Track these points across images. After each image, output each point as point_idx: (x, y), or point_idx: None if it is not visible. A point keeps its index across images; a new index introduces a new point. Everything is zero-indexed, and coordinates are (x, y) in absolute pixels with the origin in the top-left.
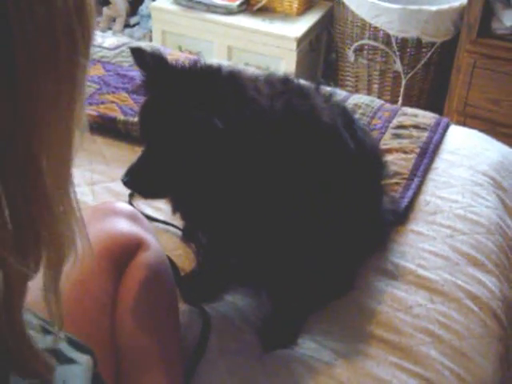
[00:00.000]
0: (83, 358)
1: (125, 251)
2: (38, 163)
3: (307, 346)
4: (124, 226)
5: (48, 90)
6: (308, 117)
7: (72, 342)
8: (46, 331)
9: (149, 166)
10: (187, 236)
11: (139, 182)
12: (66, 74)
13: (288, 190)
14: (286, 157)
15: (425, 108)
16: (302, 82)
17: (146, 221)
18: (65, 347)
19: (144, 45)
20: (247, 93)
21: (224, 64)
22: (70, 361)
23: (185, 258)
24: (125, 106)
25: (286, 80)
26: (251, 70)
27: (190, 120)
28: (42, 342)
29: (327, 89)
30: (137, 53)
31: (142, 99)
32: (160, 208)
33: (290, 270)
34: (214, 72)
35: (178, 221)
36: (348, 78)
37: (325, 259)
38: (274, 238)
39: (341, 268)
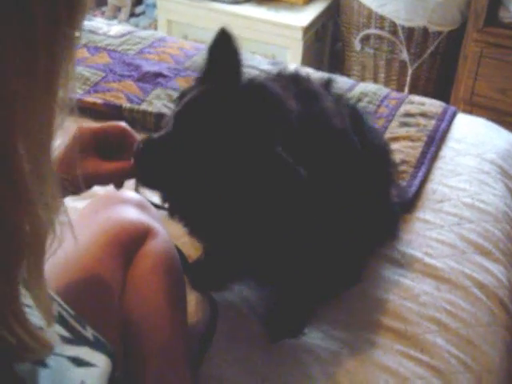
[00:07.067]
0: (102, 362)
1: (133, 239)
2: (13, 146)
3: (313, 335)
4: (132, 214)
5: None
6: (319, 121)
7: (97, 341)
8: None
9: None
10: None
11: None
12: (43, 45)
13: (305, 195)
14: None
15: (431, 97)
16: (310, 71)
17: (153, 209)
18: (86, 352)
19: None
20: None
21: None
22: (89, 364)
23: (191, 246)
24: (130, 94)
25: (296, 79)
26: (258, 59)
27: (268, 162)
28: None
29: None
30: (223, 37)
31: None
32: None
33: (299, 262)
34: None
35: None
36: (354, 67)
37: (334, 251)
38: (287, 235)
39: (350, 260)
